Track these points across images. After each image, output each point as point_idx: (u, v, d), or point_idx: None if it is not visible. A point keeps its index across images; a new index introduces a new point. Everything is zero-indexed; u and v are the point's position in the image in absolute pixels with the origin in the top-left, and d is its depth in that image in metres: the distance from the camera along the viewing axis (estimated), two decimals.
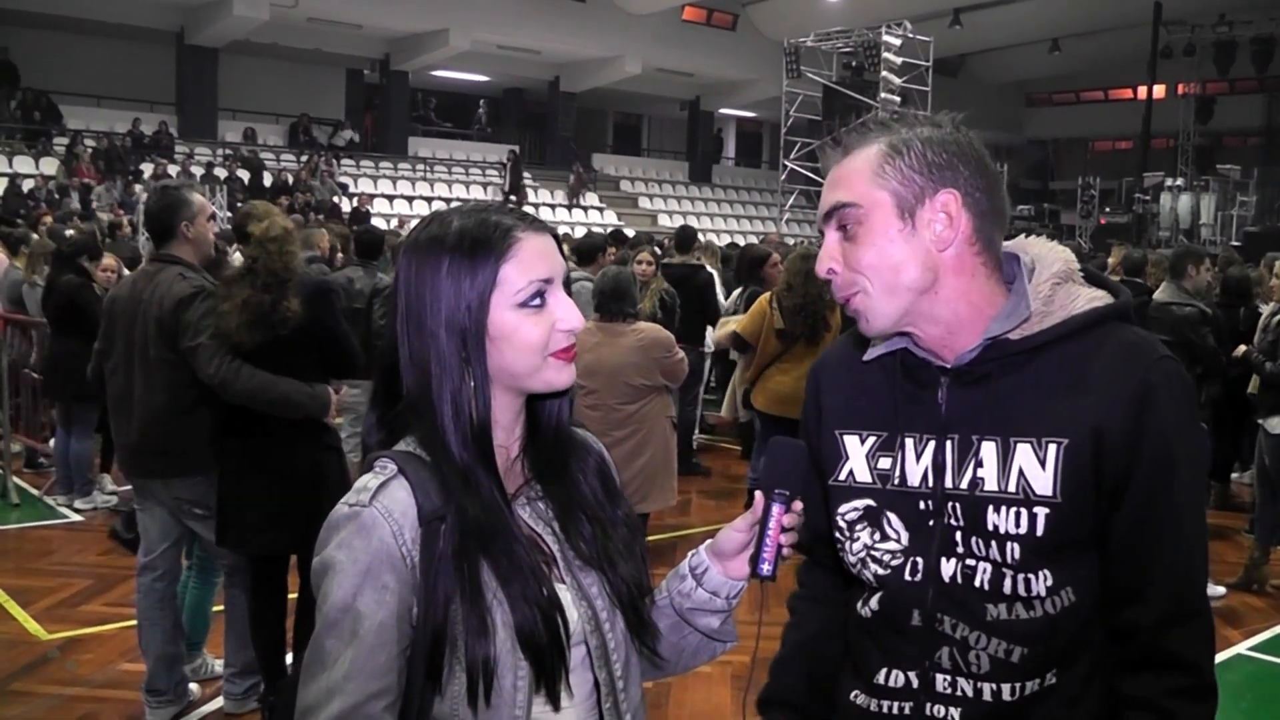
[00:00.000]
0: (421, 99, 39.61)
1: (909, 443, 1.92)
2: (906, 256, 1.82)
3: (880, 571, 1.93)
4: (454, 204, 1.93)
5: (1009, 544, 1.81)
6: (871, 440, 1.98)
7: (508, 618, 1.68)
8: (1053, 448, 1.79)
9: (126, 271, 8.66)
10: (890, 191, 1.82)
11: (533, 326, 1.73)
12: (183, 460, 5.11)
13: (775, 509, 1.82)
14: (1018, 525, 1.80)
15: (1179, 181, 30.72)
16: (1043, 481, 1.79)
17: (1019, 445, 1.81)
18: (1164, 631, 1.80)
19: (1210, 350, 7.76)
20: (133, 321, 5.12)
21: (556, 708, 1.74)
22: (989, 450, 1.84)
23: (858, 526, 1.96)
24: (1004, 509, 1.81)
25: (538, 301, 1.74)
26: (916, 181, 1.82)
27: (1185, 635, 1.81)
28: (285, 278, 4.81)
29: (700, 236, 13.28)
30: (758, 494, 1.85)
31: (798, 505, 1.84)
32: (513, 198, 30.66)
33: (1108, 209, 33.25)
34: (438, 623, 1.66)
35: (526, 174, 35.31)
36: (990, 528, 1.82)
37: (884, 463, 1.95)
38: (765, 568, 1.83)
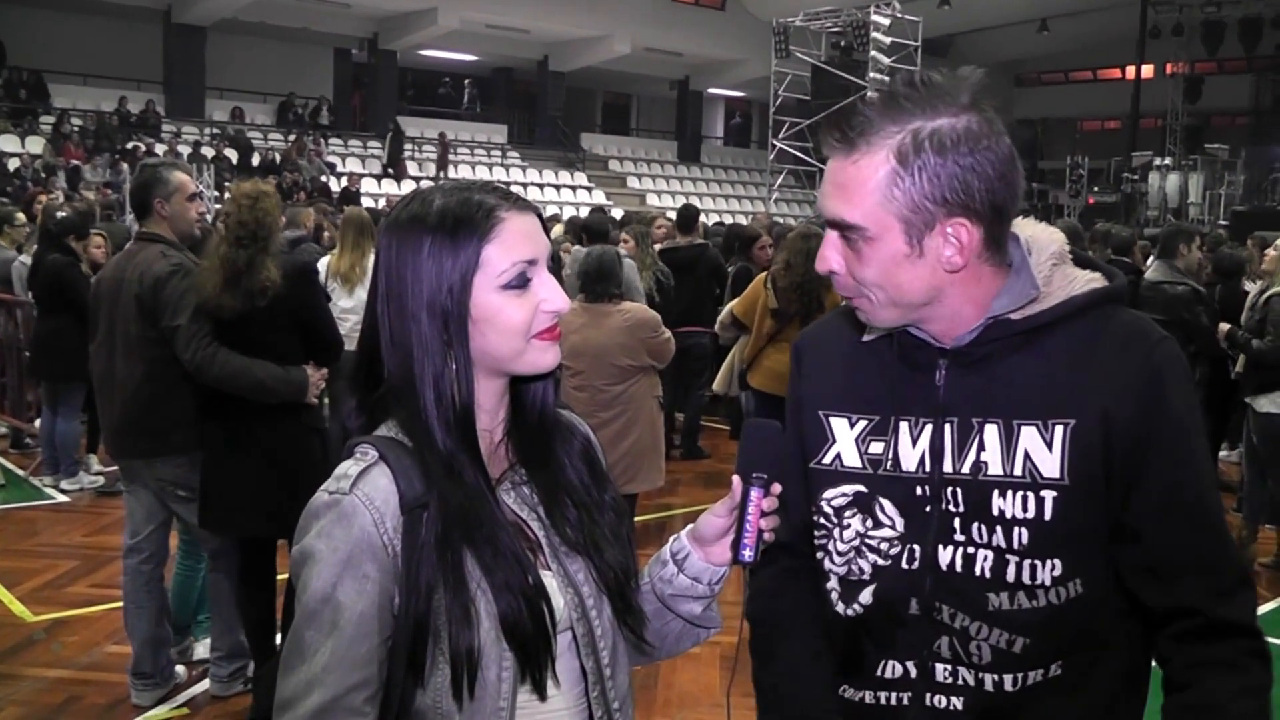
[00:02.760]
0: (412, 79, 39.54)
1: (904, 426, 1.88)
2: (912, 278, 1.78)
3: (880, 562, 1.89)
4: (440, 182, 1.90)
5: (1016, 529, 1.78)
6: (862, 424, 1.93)
7: (492, 607, 1.65)
8: (1059, 429, 1.77)
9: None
10: (899, 218, 1.74)
11: (516, 309, 1.70)
12: (165, 440, 5.09)
13: (754, 493, 1.79)
14: (1025, 509, 1.77)
15: (1167, 161, 30.78)
16: (1050, 464, 1.77)
17: (1024, 428, 1.79)
18: (1222, 603, 1.78)
19: (1205, 329, 7.76)
20: (115, 301, 5.10)
21: (543, 698, 1.72)
22: (991, 433, 1.81)
23: (846, 514, 1.92)
24: (1010, 493, 1.78)
25: (521, 283, 1.70)
26: (928, 209, 1.73)
27: (1243, 604, 1.80)
28: (260, 234, 4.77)
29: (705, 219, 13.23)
30: (735, 479, 1.82)
31: (776, 488, 1.80)
32: (390, 170, 30.49)
33: (1096, 188, 33.24)
34: (420, 613, 1.63)
35: (515, 153, 35.26)
36: (995, 513, 1.79)
37: (875, 447, 1.91)
38: (747, 553, 1.80)
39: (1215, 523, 1.81)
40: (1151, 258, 9.62)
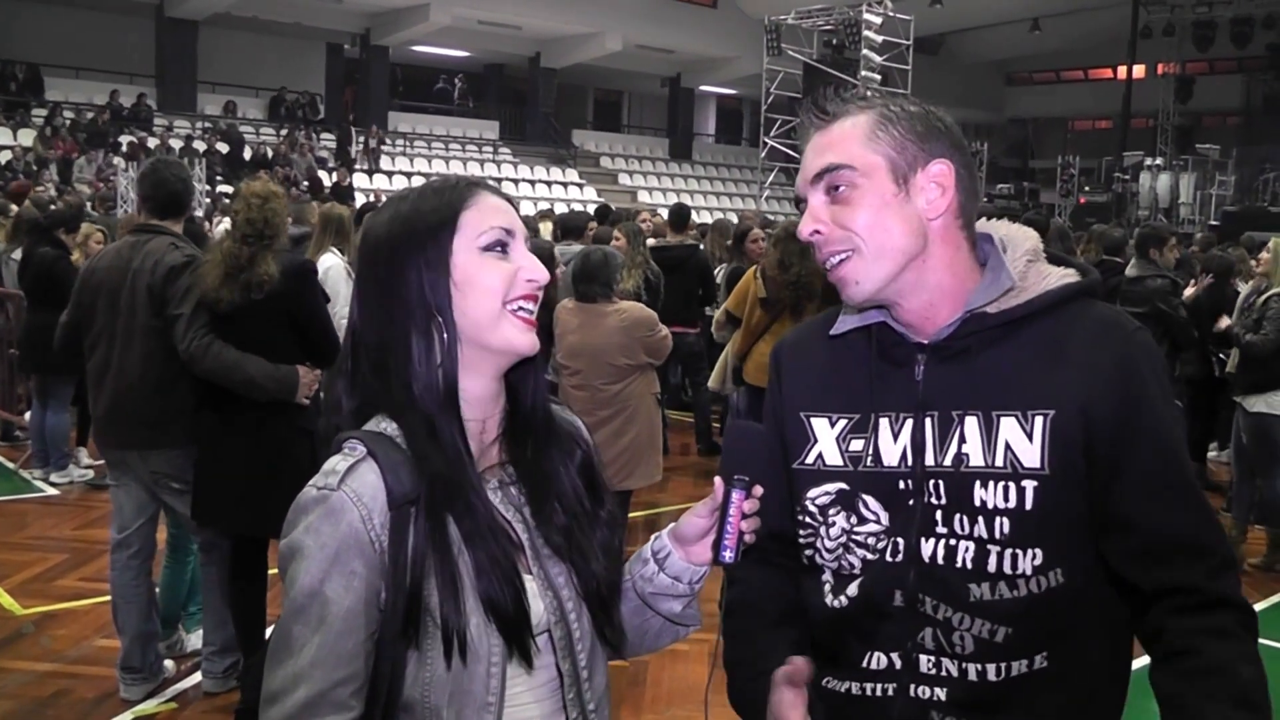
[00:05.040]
0: (403, 75, 39.50)
1: (883, 423, 1.91)
2: (900, 221, 1.83)
3: (868, 556, 1.90)
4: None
5: (997, 519, 1.80)
6: (842, 423, 1.96)
7: (478, 602, 1.68)
8: (1039, 419, 1.80)
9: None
10: (885, 156, 1.83)
11: (495, 270, 1.74)
12: (164, 432, 5.09)
13: (735, 495, 1.81)
14: (1006, 499, 1.80)
15: (1158, 161, 30.88)
16: (1031, 454, 1.79)
17: (1003, 419, 1.81)
18: (1214, 580, 1.81)
19: (1182, 321, 7.81)
20: (118, 290, 5.09)
21: (530, 669, 1.74)
22: (972, 425, 1.83)
23: (831, 511, 1.94)
24: (991, 484, 1.81)
25: (500, 249, 1.75)
26: (910, 149, 1.83)
27: (1234, 582, 1.84)
28: (265, 233, 4.86)
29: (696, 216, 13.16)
30: (718, 480, 1.84)
31: (758, 490, 1.83)
32: (340, 163, 30.49)
33: (1087, 188, 33.34)
34: (407, 608, 1.65)
35: (506, 150, 35.28)
36: (977, 503, 1.81)
37: (856, 445, 1.93)
38: (727, 555, 1.82)
39: (1202, 503, 1.84)
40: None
